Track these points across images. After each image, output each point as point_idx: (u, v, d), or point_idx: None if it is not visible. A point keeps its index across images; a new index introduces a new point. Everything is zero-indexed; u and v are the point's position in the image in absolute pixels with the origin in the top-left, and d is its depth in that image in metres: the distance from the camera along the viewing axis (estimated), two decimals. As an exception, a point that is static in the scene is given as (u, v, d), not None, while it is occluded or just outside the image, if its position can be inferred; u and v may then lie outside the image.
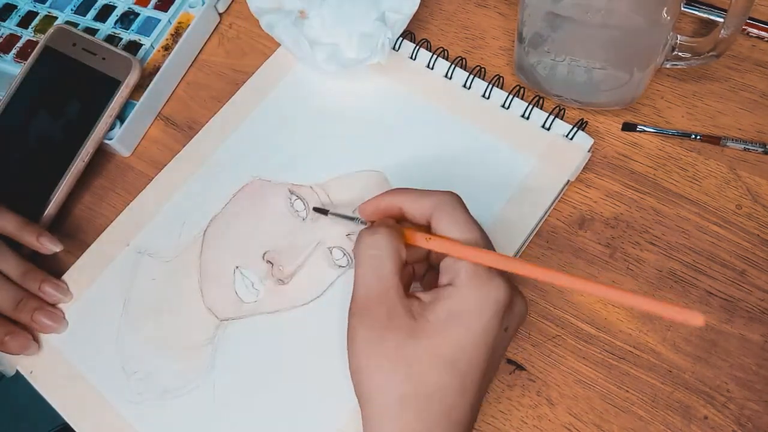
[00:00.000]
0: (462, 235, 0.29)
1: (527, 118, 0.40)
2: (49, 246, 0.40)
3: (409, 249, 0.30)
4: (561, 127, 0.39)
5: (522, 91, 0.41)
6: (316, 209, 0.39)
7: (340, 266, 0.38)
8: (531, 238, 0.38)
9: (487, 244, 0.30)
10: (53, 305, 0.40)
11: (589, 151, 0.39)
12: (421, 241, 0.30)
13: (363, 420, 0.28)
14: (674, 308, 0.24)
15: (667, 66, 0.39)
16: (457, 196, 0.31)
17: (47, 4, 0.52)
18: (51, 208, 0.43)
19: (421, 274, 0.34)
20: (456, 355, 0.27)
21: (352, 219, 0.37)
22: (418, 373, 0.27)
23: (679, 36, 0.38)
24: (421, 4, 0.44)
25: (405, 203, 0.31)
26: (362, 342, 0.28)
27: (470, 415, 0.28)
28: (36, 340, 0.39)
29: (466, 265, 0.28)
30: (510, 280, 0.29)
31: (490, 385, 0.32)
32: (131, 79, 0.44)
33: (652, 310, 0.25)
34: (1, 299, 0.38)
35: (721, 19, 0.35)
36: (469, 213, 0.30)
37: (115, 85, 0.44)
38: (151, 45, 0.48)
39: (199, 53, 0.50)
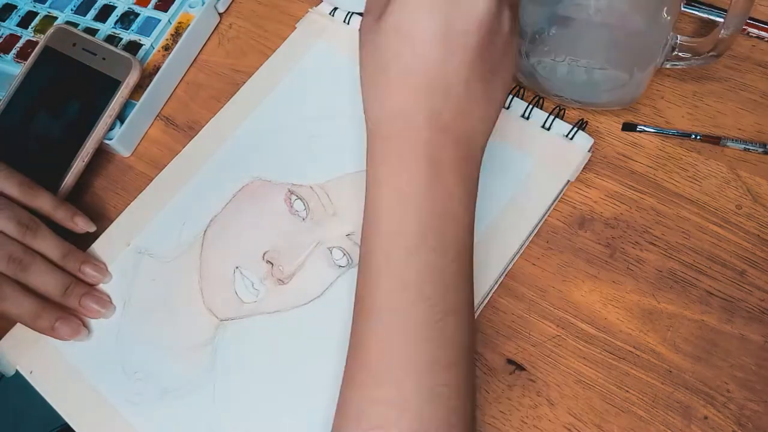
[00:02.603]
0: None
1: (527, 118, 0.40)
2: (83, 226, 0.41)
3: None
4: (561, 127, 0.39)
5: (522, 91, 0.41)
6: None
7: (340, 266, 0.38)
8: (531, 238, 0.38)
9: None
10: (99, 290, 0.40)
11: (589, 151, 0.39)
12: None
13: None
14: None
15: (667, 66, 0.39)
16: None
17: (47, 4, 0.52)
18: (51, 208, 0.43)
19: None
20: (401, 23, 0.28)
21: None
22: (379, 48, 0.29)
23: (679, 36, 0.38)
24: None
25: None
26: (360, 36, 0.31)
27: (450, 85, 0.29)
28: (85, 325, 0.39)
29: None
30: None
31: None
32: (131, 79, 0.44)
33: None
34: (50, 285, 0.38)
35: (721, 19, 0.35)
36: None
37: (115, 85, 0.44)
38: (151, 45, 0.48)
39: (199, 53, 0.50)
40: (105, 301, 0.40)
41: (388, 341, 0.28)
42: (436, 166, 0.29)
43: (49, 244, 0.39)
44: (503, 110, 0.40)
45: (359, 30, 0.31)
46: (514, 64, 0.31)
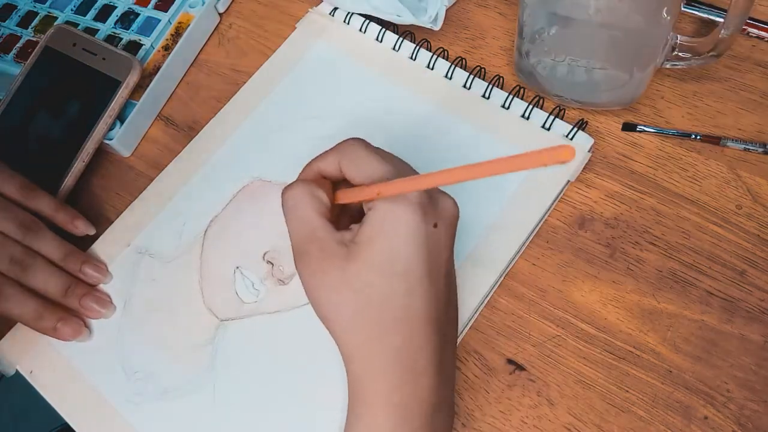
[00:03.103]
0: (368, 175, 0.30)
1: (527, 118, 0.40)
2: (84, 229, 0.41)
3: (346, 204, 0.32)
4: (561, 127, 0.39)
5: (522, 91, 0.41)
6: None
7: (340, 266, 0.38)
8: (531, 238, 0.38)
9: (396, 170, 0.30)
10: (99, 290, 0.40)
11: (589, 151, 0.39)
12: (338, 199, 0.32)
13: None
14: (538, 153, 0.22)
15: (667, 66, 0.39)
16: (358, 139, 0.31)
17: (47, 4, 0.52)
18: (51, 208, 0.43)
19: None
20: (389, 260, 0.28)
21: None
22: (361, 288, 0.28)
23: (679, 36, 0.38)
24: (421, 4, 0.44)
25: (319, 165, 0.32)
26: (308, 278, 0.30)
27: (428, 316, 0.29)
28: (86, 325, 0.39)
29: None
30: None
31: (456, 313, 0.33)
32: (131, 79, 0.44)
33: (518, 167, 0.23)
34: (50, 285, 0.38)
35: (721, 19, 0.35)
36: (372, 149, 0.31)
37: (115, 85, 0.44)
38: (151, 45, 0.48)
39: (199, 53, 0.50)
40: (105, 301, 0.40)
41: None
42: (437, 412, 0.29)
43: (49, 245, 0.39)
44: (504, 110, 0.41)
45: (309, 270, 0.30)
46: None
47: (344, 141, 0.32)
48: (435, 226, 0.29)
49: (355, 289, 0.28)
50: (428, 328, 0.29)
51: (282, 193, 0.31)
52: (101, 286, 0.41)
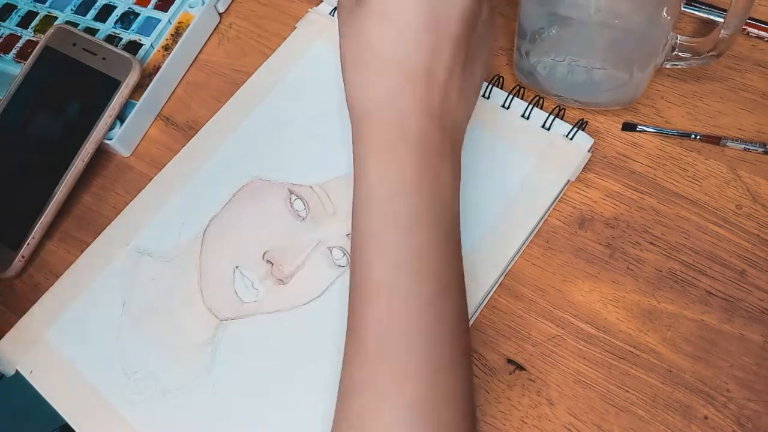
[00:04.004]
0: None
1: (527, 118, 0.40)
2: None
3: None
4: (561, 127, 0.39)
5: (522, 91, 0.41)
6: None
7: (340, 266, 0.38)
8: (531, 238, 0.38)
9: None
10: None
11: (589, 151, 0.39)
12: None
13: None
14: None
15: (667, 66, 0.39)
16: None
17: (47, 4, 0.52)
18: (51, 208, 0.43)
19: None
20: (385, 5, 0.28)
21: None
22: (357, 33, 0.29)
23: (679, 36, 0.38)
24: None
25: None
26: (339, 29, 0.31)
27: (419, 67, 0.29)
28: None
29: None
30: None
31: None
32: (131, 79, 0.45)
33: None
34: None
35: (721, 19, 0.35)
36: None
37: (115, 85, 0.44)
38: (151, 45, 0.48)
39: (199, 53, 0.50)
40: None
41: (387, 320, 0.28)
42: (425, 153, 0.29)
43: None
44: (504, 110, 0.41)
45: (338, 15, 0.31)
46: (490, 48, 0.32)
47: None
48: None
49: (354, 33, 0.29)
50: (418, 80, 0.29)
51: None
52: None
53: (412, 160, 0.29)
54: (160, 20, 0.49)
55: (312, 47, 0.46)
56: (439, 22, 0.28)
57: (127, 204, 0.43)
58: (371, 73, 0.29)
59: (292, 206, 0.40)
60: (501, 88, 0.41)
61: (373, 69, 0.29)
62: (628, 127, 0.40)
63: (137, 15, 0.50)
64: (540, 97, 0.41)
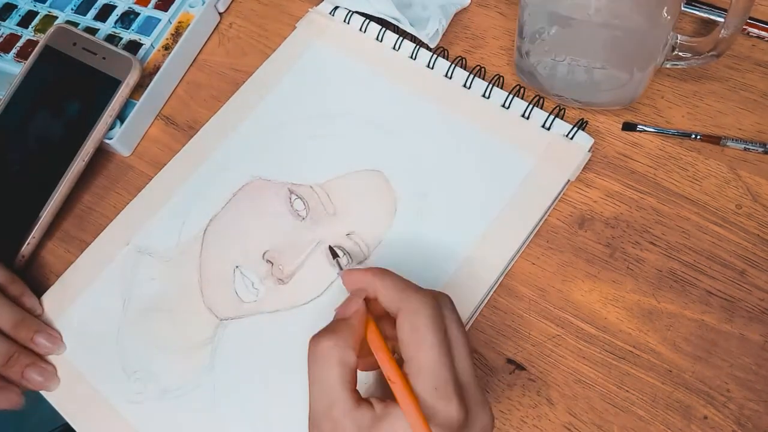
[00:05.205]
0: (413, 354, 0.27)
1: (527, 118, 0.40)
2: (30, 306, 0.39)
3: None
4: (561, 126, 0.39)
5: (522, 90, 0.41)
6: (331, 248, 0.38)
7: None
8: (531, 238, 0.38)
9: (438, 366, 0.27)
10: (44, 361, 0.39)
11: (589, 151, 0.39)
12: (374, 353, 0.29)
13: None
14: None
15: (667, 66, 0.39)
16: (432, 307, 0.28)
17: (47, 3, 0.52)
18: (51, 208, 0.43)
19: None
20: None
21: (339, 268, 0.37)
22: None
23: (679, 36, 0.38)
24: (421, 4, 0.44)
25: (380, 290, 0.30)
26: None
27: None
28: (23, 394, 0.38)
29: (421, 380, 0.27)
30: (465, 397, 0.28)
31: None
32: (131, 79, 0.44)
33: None
34: None
35: (721, 19, 0.35)
36: (433, 328, 0.27)
37: (115, 84, 0.44)
38: (151, 45, 0.48)
39: (199, 53, 0.50)
40: (50, 372, 0.38)
41: None
42: None
43: (1, 312, 0.38)
44: (504, 110, 0.41)
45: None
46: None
47: (414, 295, 0.28)
48: None
49: None
50: None
51: (310, 341, 0.29)
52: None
53: None
54: (160, 20, 0.49)
55: (312, 47, 0.46)
56: None
57: (127, 204, 0.43)
58: None
59: (292, 206, 0.40)
60: (501, 88, 0.41)
61: None
62: (629, 126, 0.40)
63: (137, 15, 0.50)
64: (540, 97, 0.41)
